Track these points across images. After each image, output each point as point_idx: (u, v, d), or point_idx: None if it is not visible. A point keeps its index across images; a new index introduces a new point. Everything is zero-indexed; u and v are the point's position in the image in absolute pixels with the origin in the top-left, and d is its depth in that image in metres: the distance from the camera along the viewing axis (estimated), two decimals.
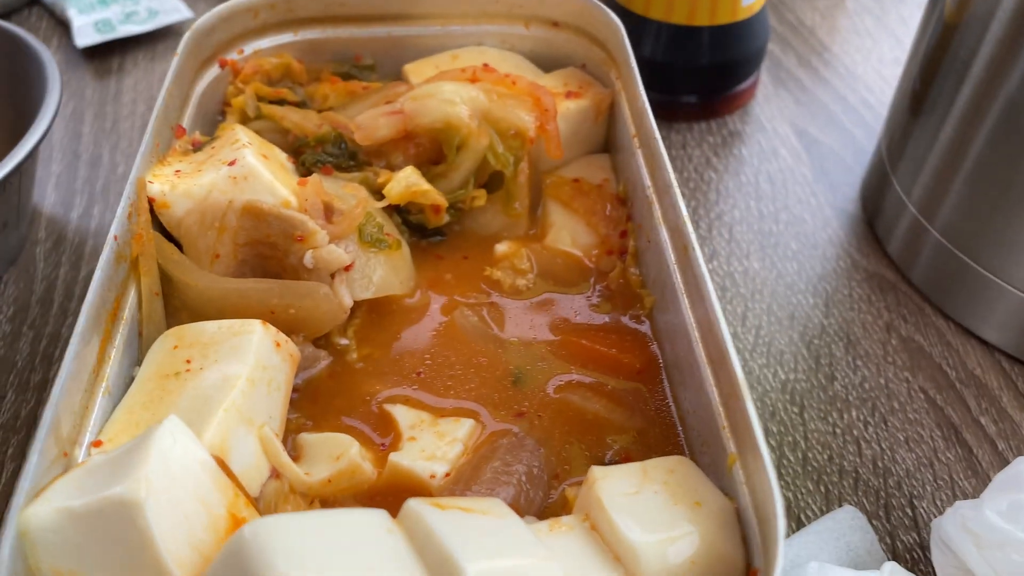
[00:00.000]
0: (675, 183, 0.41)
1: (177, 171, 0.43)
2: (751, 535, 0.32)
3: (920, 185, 0.59)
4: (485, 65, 0.50)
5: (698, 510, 0.32)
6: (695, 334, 0.39)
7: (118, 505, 0.29)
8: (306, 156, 0.48)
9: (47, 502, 0.30)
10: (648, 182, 0.45)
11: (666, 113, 0.70)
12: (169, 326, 0.41)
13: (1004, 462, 0.50)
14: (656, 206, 0.44)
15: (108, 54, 0.80)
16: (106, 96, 0.75)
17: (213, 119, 0.53)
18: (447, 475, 0.38)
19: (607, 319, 0.46)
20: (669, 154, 0.66)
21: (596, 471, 0.34)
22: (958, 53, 0.54)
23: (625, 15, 0.68)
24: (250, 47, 0.54)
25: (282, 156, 0.48)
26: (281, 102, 0.53)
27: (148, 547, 0.29)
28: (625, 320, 0.46)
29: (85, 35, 0.78)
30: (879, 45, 0.81)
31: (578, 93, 0.52)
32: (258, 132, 0.50)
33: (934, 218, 0.58)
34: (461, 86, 0.49)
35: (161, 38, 0.81)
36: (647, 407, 0.41)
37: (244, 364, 0.37)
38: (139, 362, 0.40)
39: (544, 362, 0.44)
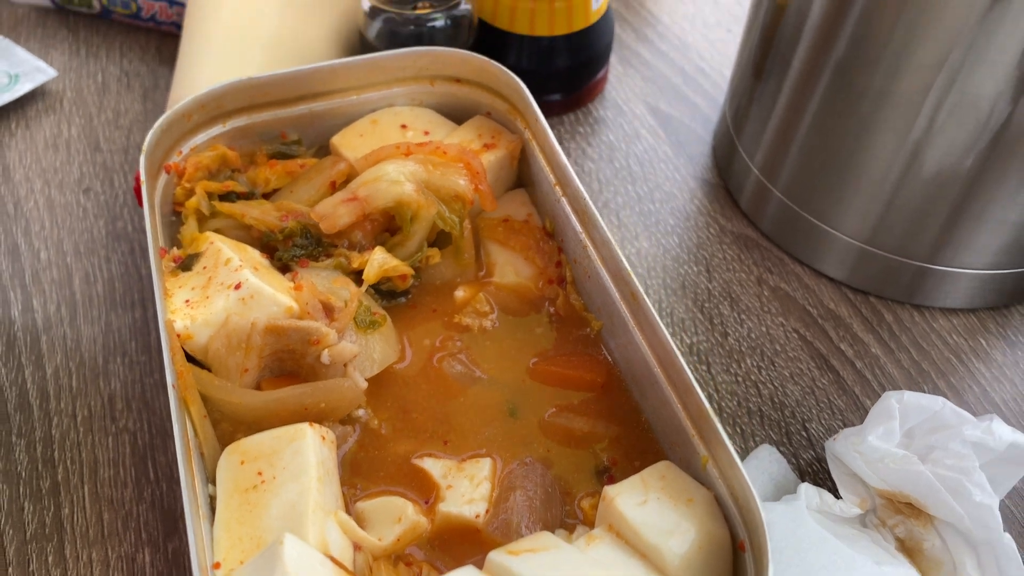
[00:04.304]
0: (612, 239, 0.51)
1: (187, 300, 0.49)
2: (731, 515, 0.44)
3: (762, 152, 0.71)
4: (429, 141, 0.57)
5: (692, 505, 0.44)
6: (652, 359, 0.49)
7: None
8: (281, 253, 0.54)
9: None
10: (579, 227, 0.55)
11: None
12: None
13: (864, 379, 0.65)
14: (591, 250, 0.54)
15: None
16: None
17: (168, 222, 0.57)
18: (487, 511, 0.48)
19: (564, 342, 0.56)
20: None
21: (609, 490, 0.45)
22: (786, 36, 0.66)
23: (489, 31, 0.75)
24: (187, 146, 0.58)
25: (256, 253, 0.54)
26: (229, 194, 0.57)
27: None
28: (578, 341, 0.56)
29: None
30: (701, 10, 0.92)
31: (493, 143, 0.60)
32: (218, 230, 0.55)
33: (776, 180, 0.71)
34: (401, 163, 0.56)
35: (29, 102, 0.80)
36: (619, 415, 0.52)
37: (309, 466, 0.44)
38: (210, 480, 0.46)
39: (528, 391, 0.53)
